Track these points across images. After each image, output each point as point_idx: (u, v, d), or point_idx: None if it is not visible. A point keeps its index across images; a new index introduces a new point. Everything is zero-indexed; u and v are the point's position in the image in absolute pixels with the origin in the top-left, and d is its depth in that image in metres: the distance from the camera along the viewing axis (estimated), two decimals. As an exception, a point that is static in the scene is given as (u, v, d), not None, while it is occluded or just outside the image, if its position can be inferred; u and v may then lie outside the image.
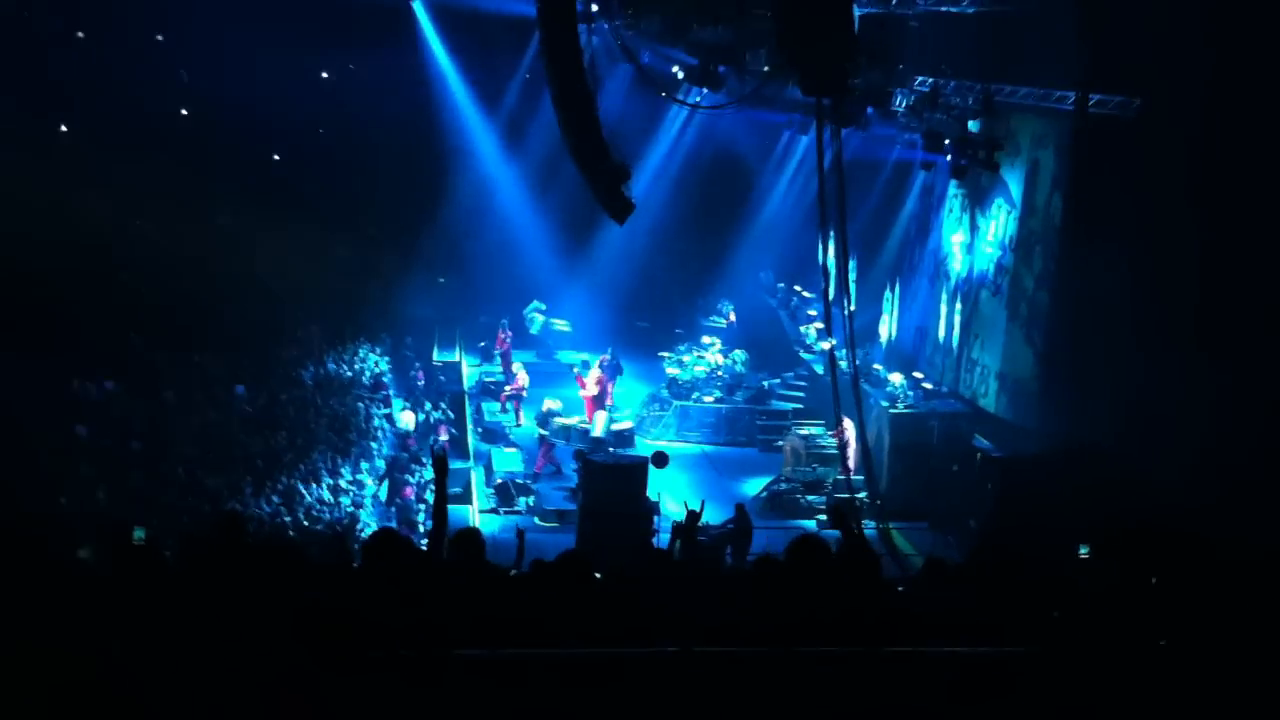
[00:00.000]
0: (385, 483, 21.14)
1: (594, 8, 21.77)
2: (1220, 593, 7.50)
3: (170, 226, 28.83)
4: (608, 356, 26.31)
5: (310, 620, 5.99)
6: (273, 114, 30.54)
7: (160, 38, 30.89)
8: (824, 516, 21.31)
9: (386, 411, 24.48)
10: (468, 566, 7.39)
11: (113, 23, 28.89)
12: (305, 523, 18.31)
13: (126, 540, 6.77)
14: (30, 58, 28.50)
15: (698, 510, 10.60)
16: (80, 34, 30.15)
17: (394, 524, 19.50)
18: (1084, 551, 9.02)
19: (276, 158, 32.38)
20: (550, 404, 24.10)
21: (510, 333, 28.92)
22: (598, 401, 24.60)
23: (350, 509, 19.45)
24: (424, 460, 22.29)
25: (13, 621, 5.57)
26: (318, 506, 19.07)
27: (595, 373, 25.29)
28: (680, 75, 23.94)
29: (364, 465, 21.61)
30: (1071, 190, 19.87)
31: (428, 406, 24.77)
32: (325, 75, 32.49)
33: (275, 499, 18.93)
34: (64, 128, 29.13)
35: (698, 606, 6.83)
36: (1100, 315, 18.23)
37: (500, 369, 28.19)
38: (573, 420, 24.19)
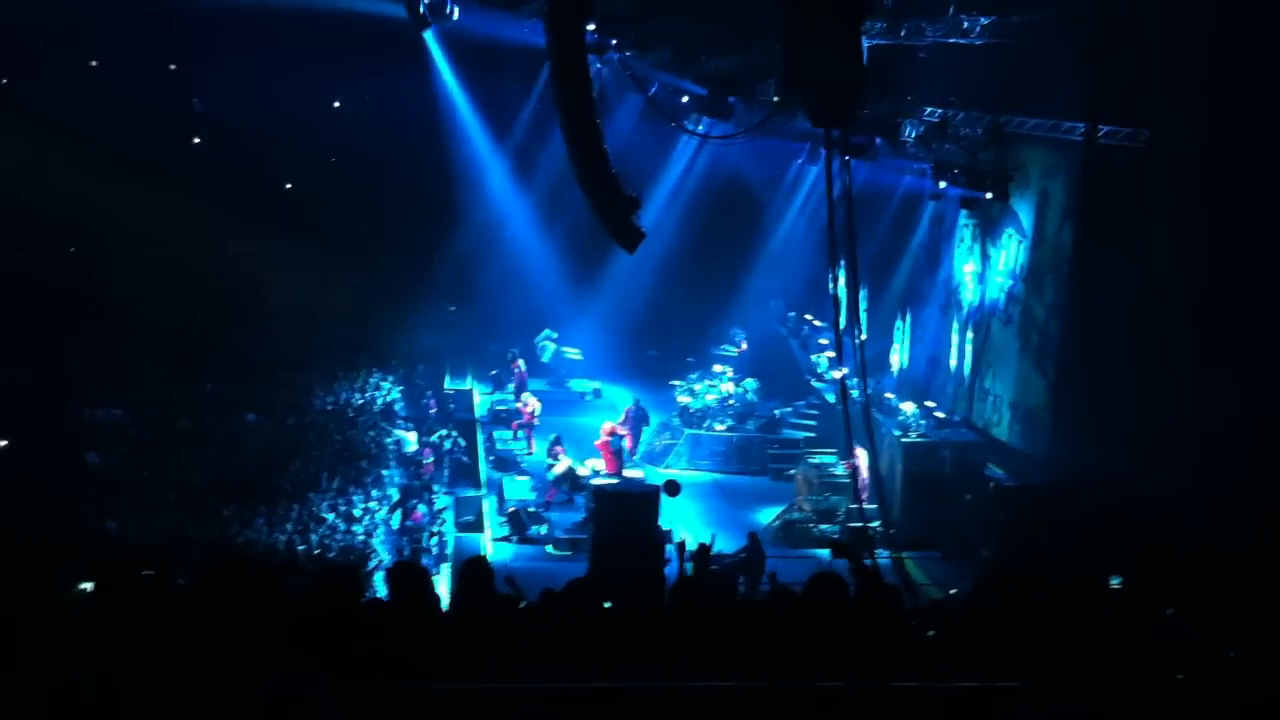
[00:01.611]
0: (398, 511, 21.16)
1: (604, 39, 21.89)
2: (1240, 618, 7.46)
3: (182, 253, 29.01)
4: (632, 406, 25.81)
5: (323, 649, 6.02)
6: (285, 142, 30.78)
7: (174, 66, 31.15)
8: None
9: (396, 438, 24.50)
10: (478, 597, 7.40)
11: (127, 50, 29.13)
12: (318, 551, 18.32)
13: (137, 570, 6.78)
14: (45, 86, 28.79)
15: (709, 544, 10.59)
16: (94, 63, 30.42)
17: (406, 551, 19.55)
18: (1116, 582, 8.96)
19: (289, 185, 32.59)
20: (594, 464, 23.25)
21: (522, 361, 28.92)
22: (612, 450, 23.35)
23: (363, 537, 19.46)
24: (434, 488, 22.38)
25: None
26: (330, 535, 19.08)
27: (608, 425, 23.98)
28: (689, 104, 24.05)
29: (375, 493, 21.62)
30: (1082, 220, 19.90)
31: (442, 432, 24.78)
32: (337, 104, 32.73)
33: (289, 527, 18.95)
34: (77, 153, 29.30)
35: (709, 637, 6.83)
36: (1111, 344, 18.23)
37: (513, 397, 28.18)
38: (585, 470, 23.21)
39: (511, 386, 28.83)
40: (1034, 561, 16.15)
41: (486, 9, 23.22)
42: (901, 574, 19.51)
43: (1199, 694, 6.43)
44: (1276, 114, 15.14)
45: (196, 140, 32.23)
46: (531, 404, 26.51)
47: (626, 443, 24.34)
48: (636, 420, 25.62)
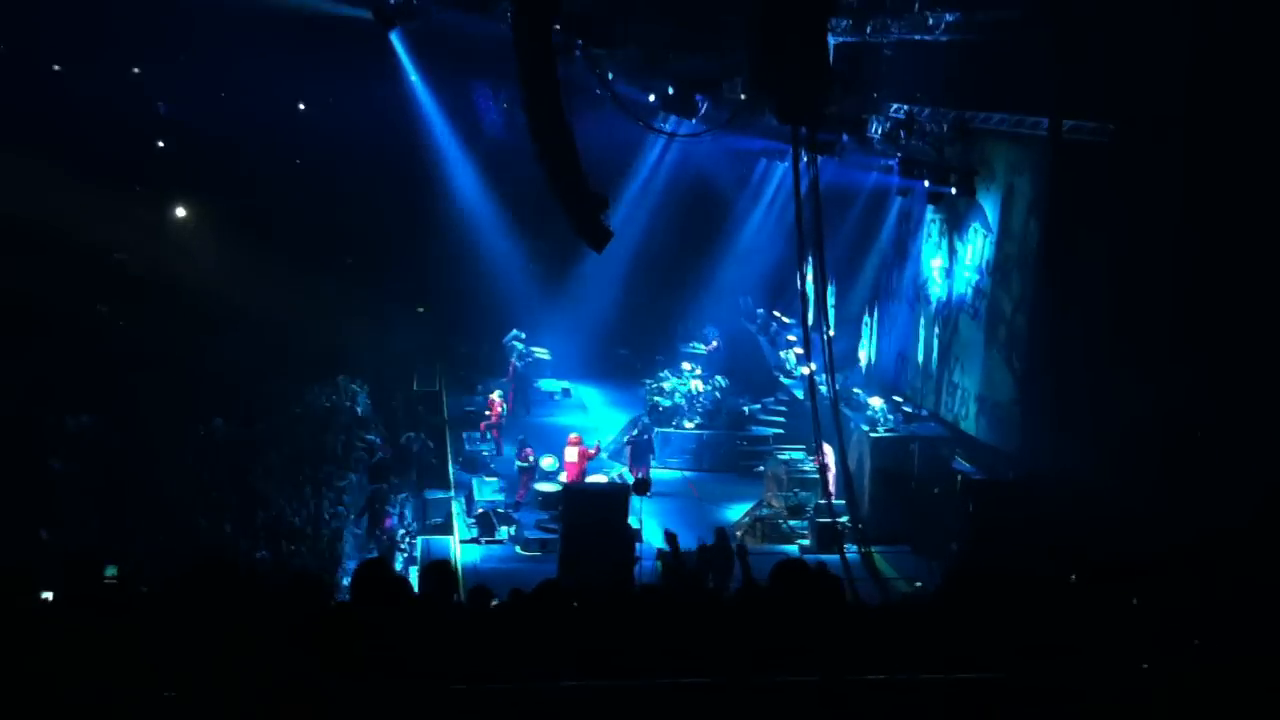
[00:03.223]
0: (365, 515, 21.09)
1: (570, 38, 21.85)
2: (1201, 614, 7.52)
3: (149, 258, 28.81)
4: (637, 432, 24.76)
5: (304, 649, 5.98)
6: (250, 145, 30.59)
7: (137, 70, 30.92)
8: (806, 541, 21.32)
9: (366, 443, 24.40)
10: (444, 598, 7.39)
11: (89, 55, 28.89)
12: (286, 556, 18.24)
13: (98, 577, 6.72)
14: (7, 90, 28.51)
15: (673, 533, 10.65)
16: (56, 67, 30.16)
17: (375, 554, 19.47)
18: (1073, 577, 9.02)
19: (253, 189, 32.38)
20: (546, 461, 23.08)
21: (517, 362, 28.72)
22: (580, 470, 22.61)
23: (330, 541, 19.40)
24: (402, 492, 22.32)
25: None
26: (299, 540, 19.01)
27: (575, 437, 23.03)
28: (656, 103, 24.03)
29: (346, 498, 21.54)
30: (1048, 215, 19.99)
31: (409, 435, 24.71)
32: (302, 106, 32.55)
33: (258, 532, 18.86)
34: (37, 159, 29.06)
35: (679, 634, 6.83)
36: (1078, 338, 18.34)
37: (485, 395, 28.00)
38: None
39: (480, 387, 28.83)
40: (1001, 555, 16.22)
41: (455, 9, 23.17)
42: (870, 568, 19.60)
43: (1169, 686, 6.47)
44: (1246, 104, 15.24)
45: (160, 144, 32.00)
46: (498, 405, 26.46)
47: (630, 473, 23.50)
48: (643, 451, 24.46)
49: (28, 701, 5.37)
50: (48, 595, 6.34)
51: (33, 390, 23.30)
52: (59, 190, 27.19)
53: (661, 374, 28.57)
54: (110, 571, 6.82)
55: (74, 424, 22.43)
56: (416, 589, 8.14)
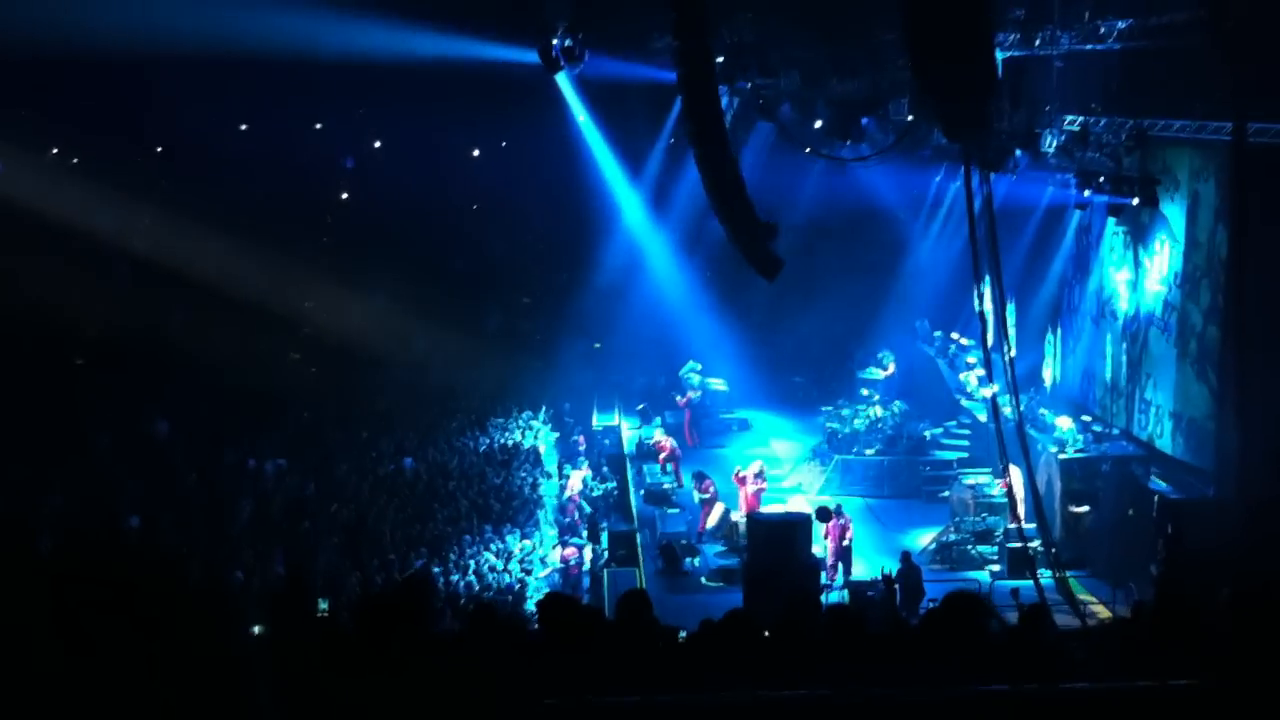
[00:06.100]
0: (553, 549, 21.39)
1: (733, 68, 22.00)
2: None
3: (333, 306, 29.92)
4: (835, 513, 21.41)
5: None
6: (427, 194, 31.58)
7: (319, 125, 32.22)
8: (997, 567, 20.84)
9: (549, 478, 24.78)
10: (636, 627, 7.46)
11: (273, 113, 30.23)
12: (477, 588, 18.64)
13: (310, 612, 7.01)
14: (195, 149, 30.05)
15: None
16: (243, 126, 31.62)
17: (560, 587, 19.74)
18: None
19: (430, 235, 33.40)
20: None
21: (693, 393, 28.87)
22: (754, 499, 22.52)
23: (520, 575, 19.73)
24: (584, 523, 22.59)
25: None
26: (488, 574, 19.40)
27: (758, 465, 23.40)
28: (822, 129, 23.99)
29: (532, 532, 21.90)
30: (1235, 222, 19.23)
31: (586, 477, 24.97)
32: (476, 153, 33.45)
33: (449, 567, 19.32)
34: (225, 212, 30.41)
35: (864, 662, 6.79)
36: (1271, 350, 17.57)
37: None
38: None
39: (658, 420, 29.04)
40: (1203, 579, 15.57)
41: (615, 53, 23.63)
42: (1065, 593, 19.09)
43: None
44: None
45: (344, 195, 33.27)
46: (665, 441, 26.54)
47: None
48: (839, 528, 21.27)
49: None
50: (257, 629, 6.65)
51: (229, 435, 24.40)
52: (244, 237, 28.44)
53: (839, 401, 28.32)
54: (323, 605, 7.11)
55: (272, 468, 23.35)
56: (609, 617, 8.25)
